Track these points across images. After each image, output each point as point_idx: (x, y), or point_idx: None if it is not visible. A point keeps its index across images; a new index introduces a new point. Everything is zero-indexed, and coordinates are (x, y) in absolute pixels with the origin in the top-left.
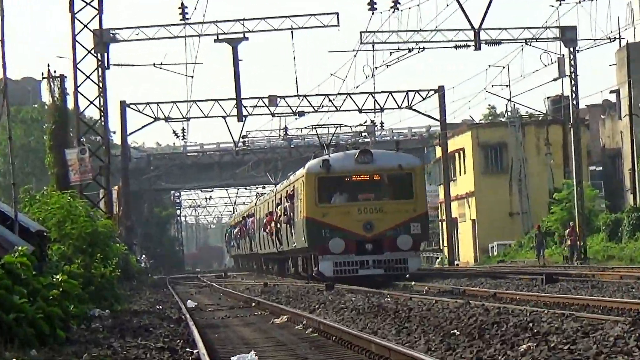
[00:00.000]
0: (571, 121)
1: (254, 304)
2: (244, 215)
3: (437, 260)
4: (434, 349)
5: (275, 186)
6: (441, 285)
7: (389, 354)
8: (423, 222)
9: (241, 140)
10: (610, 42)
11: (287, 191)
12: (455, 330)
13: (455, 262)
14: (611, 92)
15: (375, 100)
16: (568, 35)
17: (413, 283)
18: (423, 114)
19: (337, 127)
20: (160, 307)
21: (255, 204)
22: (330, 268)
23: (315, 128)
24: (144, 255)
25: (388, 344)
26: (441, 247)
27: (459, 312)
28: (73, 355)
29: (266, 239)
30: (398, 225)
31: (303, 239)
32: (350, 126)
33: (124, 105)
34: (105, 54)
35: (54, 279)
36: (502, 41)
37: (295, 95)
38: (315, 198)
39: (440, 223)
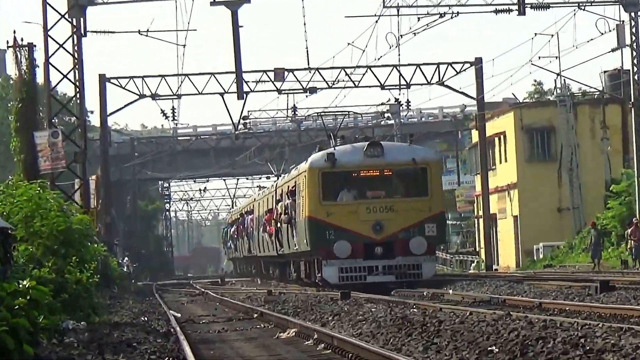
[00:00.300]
0: (632, 100)
1: (256, 315)
2: (243, 212)
3: (473, 265)
4: None
5: (278, 178)
6: (477, 294)
7: None
8: (439, 223)
9: (242, 121)
10: None
11: (288, 186)
12: (494, 347)
13: (494, 267)
14: None
15: (400, 74)
16: None
17: (451, 291)
18: (457, 91)
19: (345, 114)
20: (146, 318)
21: (255, 199)
22: (335, 274)
23: (320, 116)
24: (126, 258)
25: None
26: (477, 249)
27: (497, 326)
28: None
29: (266, 240)
30: (411, 226)
31: (305, 241)
32: (370, 105)
33: (103, 80)
34: (82, 19)
35: (20, 286)
36: (551, 5)
37: (305, 69)
38: (319, 195)
39: (476, 220)
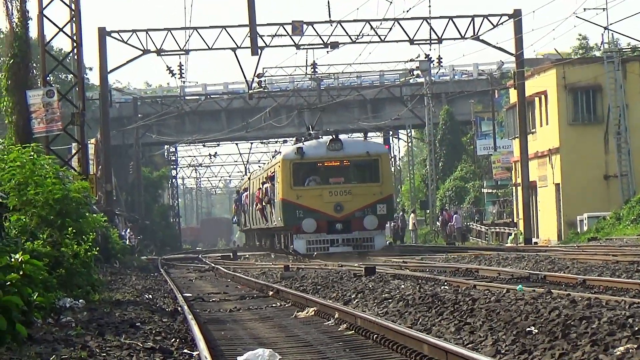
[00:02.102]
0: None
1: (271, 293)
2: (244, 186)
3: (510, 238)
4: (504, 351)
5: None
6: (514, 269)
7: (445, 357)
8: (388, 204)
9: (256, 80)
10: None
11: (268, 173)
12: (532, 328)
13: (533, 240)
14: None
15: (431, 27)
16: None
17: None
18: (493, 47)
19: (359, 74)
20: (150, 296)
21: (249, 179)
22: (303, 246)
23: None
24: (129, 230)
25: (445, 345)
26: (515, 221)
27: (537, 304)
28: (37, 357)
29: (257, 215)
30: (365, 206)
31: (280, 218)
32: (397, 62)
33: (103, 34)
34: None
35: (12, 260)
36: None
37: (326, 22)
38: (290, 181)
39: (514, 189)
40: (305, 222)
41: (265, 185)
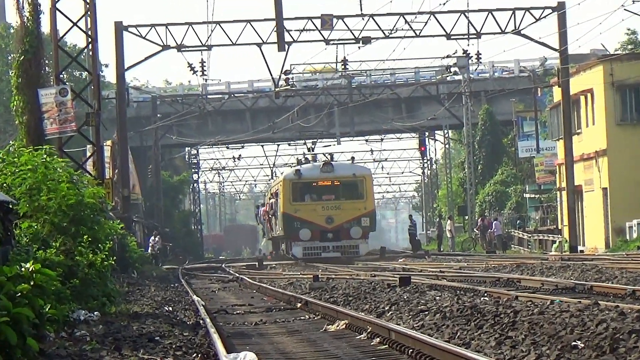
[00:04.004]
0: None
1: (299, 305)
2: (267, 193)
3: (554, 246)
4: None
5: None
6: (559, 279)
7: None
8: (371, 217)
9: (283, 77)
10: None
11: (274, 189)
12: (578, 342)
13: (579, 248)
14: None
15: (469, 21)
16: None
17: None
18: (536, 42)
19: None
20: (170, 308)
21: (265, 192)
22: (300, 251)
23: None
24: (157, 237)
25: None
26: (559, 227)
27: (583, 317)
28: None
29: (267, 225)
30: (352, 219)
31: (281, 228)
32: (433, 58)
33: (120, 29)
34: None
35: (23, 269)
36: None
37: (358, 15)
38: (290, 198)
39: (558, 193)
40: (302, 231)
41: (271, 200)
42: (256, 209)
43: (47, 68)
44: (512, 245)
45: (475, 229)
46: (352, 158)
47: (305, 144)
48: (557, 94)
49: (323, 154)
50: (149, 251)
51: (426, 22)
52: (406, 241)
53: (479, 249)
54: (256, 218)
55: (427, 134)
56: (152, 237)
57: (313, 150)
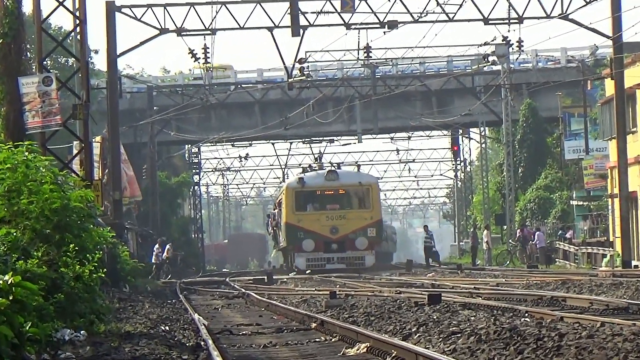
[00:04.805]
0: None
1: (314, 325)
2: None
3: (605, 260)
4: None
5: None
6: (610, 298)
7: None
8: (378, 227)
9: (297, 66)
10: None
11: (278, 199)
12: None
13: (633, 263)
14: None
15: (510, 4)
16: None
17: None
18: (586, 28)
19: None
20: (167, 327)
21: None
22: (303, 263)
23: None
24: (168, 245)
25: None
26: (611, 239)
27: (638, 341)
28: None
29: (272, 236)
30: (357, 229)
31: (284, 239)
32: (469, 46)
33: (112, 10)
34: None
35: (1, 282)
36: None
37: None
38: (293, 207)
39: (610, 200)
40: (305, 242)
41: (275, 210)
42: (267, 218)
43: (29, 54)
44: (557, 259)
45: (511, 240)
46: (358, 166)
47: (312, 151)
48: (609, 87)
49: (330, 162)
50: (153, 260)
51: (461, 5)
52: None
53: (517, 263)
54: (266, 227)
55: (460, 131)
56: (157, 246)
57: (321, 159)
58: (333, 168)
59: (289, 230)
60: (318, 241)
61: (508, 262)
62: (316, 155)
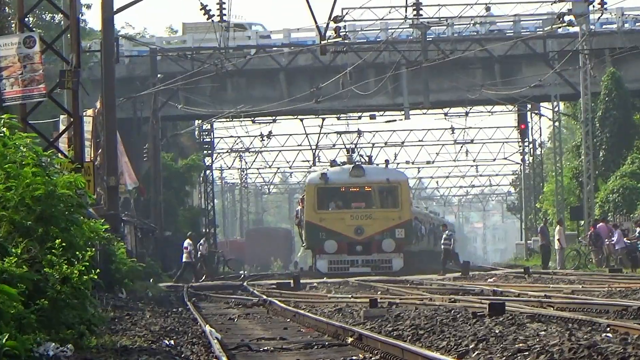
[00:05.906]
0: None
1: (350, 340)
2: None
3: None
4: None
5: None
6: None
7: None
8: (407, 228)
9: (332, 25)
10: None
11: (302, 195)
12: None
13: None
14: None
15: None
16: None
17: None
18: None
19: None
20: (172, 342)
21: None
22: (325, 266)
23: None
24: (203, 240)
25: None
26: None
27: None
28: None
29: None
30: (384, 230)
31: (305, 239)
32: (541, 3)
33: None
34: None
35: None
36: None
37: None
38: (315, 205)
39: None
40: (327, 243)
41: (298, 208)
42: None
43: (7, 9)
44: None
45: (581, 239)
46: (387, 162)
47: (344, 145)
48: None
49: (360, 155)
50: (184, 259)
51: None
52: (498, 254)
53: (592, 267)
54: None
55: (529, 106)
56: (187, 241)
57: (353, 152)
58: (359, 163)
59: (309, 230)
60: (341, 242)
61: (577, 264)
62: (347, 147)
